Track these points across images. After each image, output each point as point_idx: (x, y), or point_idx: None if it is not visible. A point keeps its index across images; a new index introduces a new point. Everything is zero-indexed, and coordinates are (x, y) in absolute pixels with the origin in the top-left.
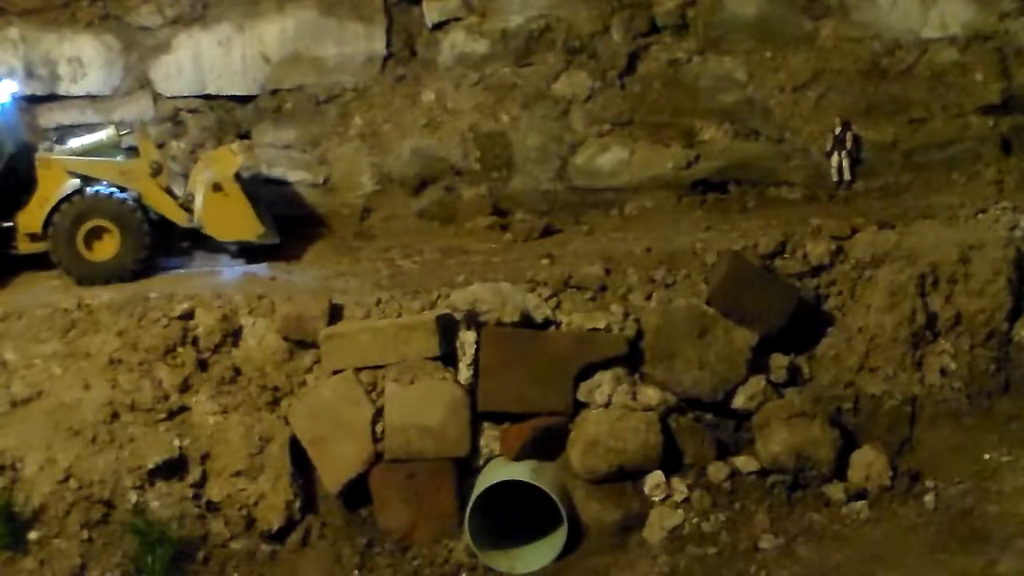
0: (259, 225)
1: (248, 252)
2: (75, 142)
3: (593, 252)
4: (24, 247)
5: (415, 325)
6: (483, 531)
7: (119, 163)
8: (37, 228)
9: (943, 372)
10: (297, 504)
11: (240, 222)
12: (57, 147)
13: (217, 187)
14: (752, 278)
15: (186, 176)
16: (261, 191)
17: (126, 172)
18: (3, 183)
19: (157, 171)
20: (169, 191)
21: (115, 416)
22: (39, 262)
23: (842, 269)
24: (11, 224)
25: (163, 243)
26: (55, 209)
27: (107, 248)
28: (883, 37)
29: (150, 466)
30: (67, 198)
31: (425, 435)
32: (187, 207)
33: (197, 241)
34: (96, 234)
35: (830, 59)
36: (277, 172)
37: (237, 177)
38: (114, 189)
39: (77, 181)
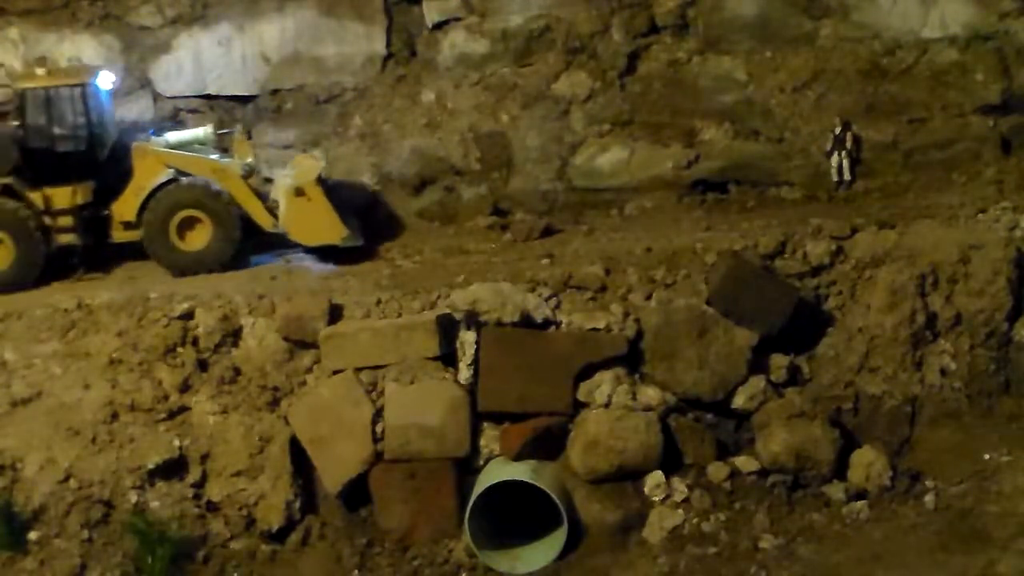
0: (343, 228)
1: (331, 251)
2: (171, 135)
3: (593, 252)
4: (118, 235)
5: (415, 325)
6: (483, 531)
7: (213, 160)
8: (131, 216)
9: (943, 372)
10: (297, 504)
11: (323, 226)
12: (153, 139)
13: (299, 192)
14: (752, 278)
15: None
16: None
17: (219, 170)
18: (104, 171)
19: (249, 173)
20: (258, 194)
21: (115, 416)
22: (135, 252)
23: (842, 269)
24: (107, 212)
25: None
26: (149, 197)
27: (199, 238)
28: (883, 37)
29: (150, 466)
30: (161, 187)
31: (425, 435)
32: (272, 212)
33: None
34: (189, 224)
35: (830, 59)
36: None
37: (319, 181)
38: (208, 180)
39: (172, 171)
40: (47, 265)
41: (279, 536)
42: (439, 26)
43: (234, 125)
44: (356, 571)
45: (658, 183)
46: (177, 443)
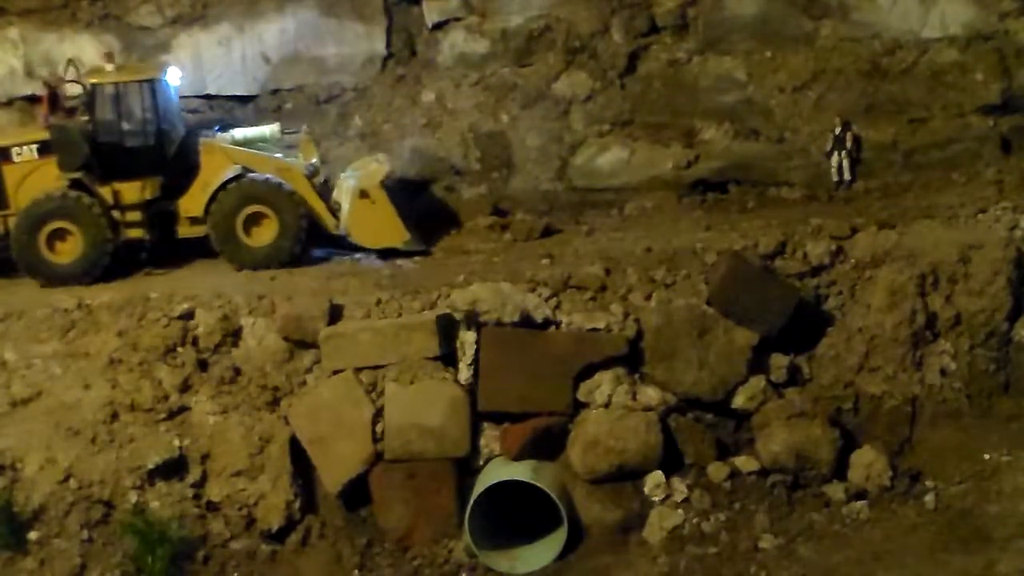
0: (405, 232)
1: (392, 252)
2: (237, 133)
3: (593, 252)
4: (184, 231)
5: (415, 325)
6: (483, 531)
7: (279, 159)
8: (198, 212)
9: (943, 372)
10: (297, 504)
11: (386, 229)
12: (219, 135)
13: (364, 194)
14: (752, 278)
15: None
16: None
17: (285, 169)
18: (171, 167)
19: (313, 174)
20: (322, 195)
21: (115, 416)
22: (201, 247)
23: (842, 269)
24: (173, 208)
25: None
26: (217, 193)
27: (265, 234)
28: (883, 37)
29: (150, 466)
30: (229, 182)
31: (425, 435)
32: (334, 213)
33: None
34: (255, 220)
35: (830, 59)
36: None
37: (383, 184)
38: (274, 176)
39: (239, 167)
40: (114, 259)
41: (279, 536)
42: (439, 26)
43: (300, 126)
44: (356, 571)
45: (658, 183)
46: (177, 443)
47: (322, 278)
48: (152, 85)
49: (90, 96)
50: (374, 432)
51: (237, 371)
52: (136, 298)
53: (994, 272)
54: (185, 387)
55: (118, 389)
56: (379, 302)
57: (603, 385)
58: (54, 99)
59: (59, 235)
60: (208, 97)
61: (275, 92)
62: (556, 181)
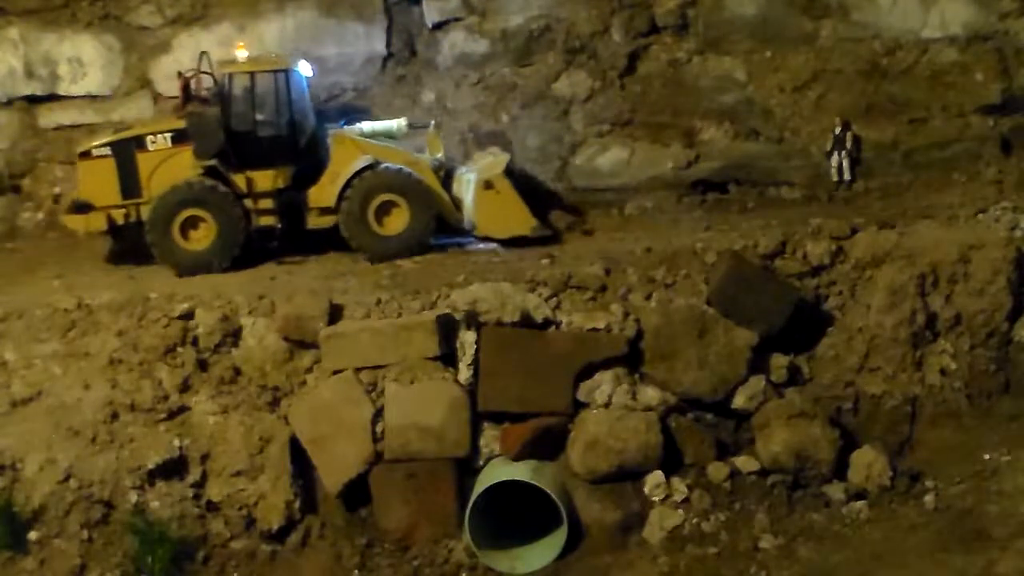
0: (532, 218)
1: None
2: (364, 126)
3: (593, 252)
4: (313, 222)
5: (415, 325)
6: (483, 531)
7: (407, 152)
8: (328, 202)
9: (943, 372)
10: (297, 504)
11: (513, 218)
12: (346, 128)
13: (488, 185)
14: (752, 278)
15: None
16: None
17: (413, 162)
18: (302, 157)
19: (438, 168)
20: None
21: (115, 416)
22: (328, 239)
23: (842, 269)
24: (303, 198)
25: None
26: (348, 183)
27: (396, 223)
28: (883, 37)
29: (150, 466)
30: (360, 172)
31: (425, 435)
32: (457, 208)
33: None
34: (386, 210)
35: (830, 59)
36: None
37: (506, 174)
38: (404, 166)
39: (369, 157)
40: (245, 247)
41: (279, 536)
42: (439, 26)
43: (428, 120)
44: (356, 571)
45: (658, 183)
46: (177, 443)
47: (322, 278)
48: (284, 75)
49: (223, 86)
50: (374, 432)
51: (237, 371)
52: (136, 298)
53: (994, 272)
54: (185, 387)
55: (118, 389)
56: (379, 302)
57: (603, 385)
58: (187, 90)
59: (192, 223)
60: None
61: None
62: (556, 181)
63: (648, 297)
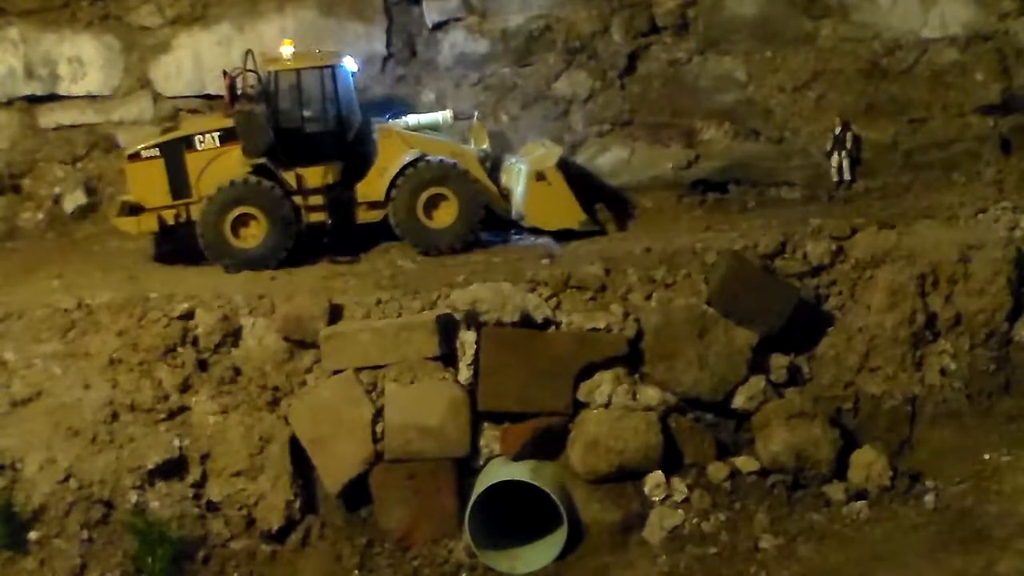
0: (581, 212)
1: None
2: (410, 119)
3: (593, 252)
4: (363, 216)
5: (415, 325)
6: (483, 531)
7: (454, 144)
8: (377, 196)
9: (943, 372)
10: (297, 504)
11: (563, 211)
12: (392, 122)
13: (540, 176)
14: (752, 278)
15: None
16: None
17: (459, 154)
18: (350, 152)
19: (484, 159)
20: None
21: (115, 416)
22: (375, 234)
23: (842, 269)
24: (352, 193)
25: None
26: (397, 176)
27: (445, 216)
28: (883, 37)
29: (150, 466)
30: (409, 165)
31: (425, 435)
32: (505, 199)
33: None
34: (434, 203)
35: (830, 59)
36: None
37: (559, 166)
38: (451, 159)
39: (417, 151)
40: (296, 244)
41: (279, 536)
42: (439, 26)
43: (472, 112)
44: (356, 571)
45: (658, 183)
46: (177, 443)
47: (322, 278)
48: (331, 71)
49: (269, 84)
50: (374, 432)
51: (237, 371)
52: (136, 298)
53: (994, 272)
54: (185, 387)
55: (118, 389)
56: (379, 302)
57: (603, 385)
58: (233, 88)
59: (243, 220)
60: (208, 97)
61: None
62: None
63: (648, 297)
